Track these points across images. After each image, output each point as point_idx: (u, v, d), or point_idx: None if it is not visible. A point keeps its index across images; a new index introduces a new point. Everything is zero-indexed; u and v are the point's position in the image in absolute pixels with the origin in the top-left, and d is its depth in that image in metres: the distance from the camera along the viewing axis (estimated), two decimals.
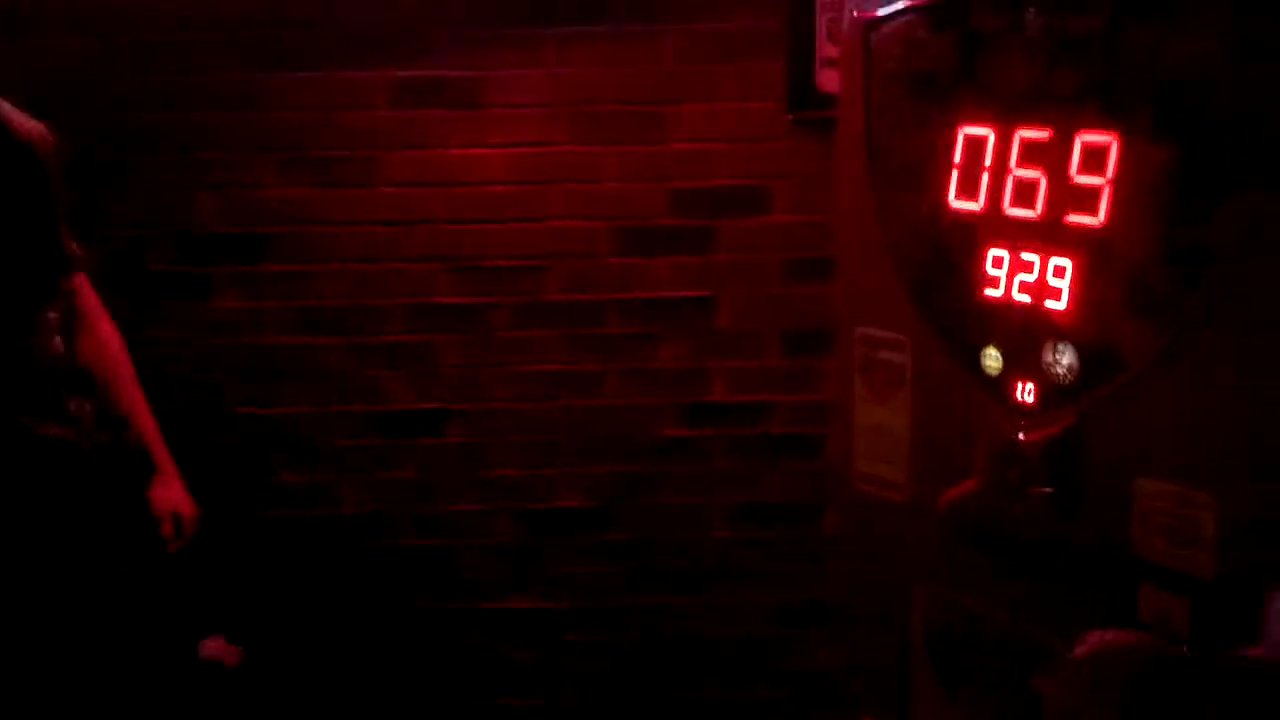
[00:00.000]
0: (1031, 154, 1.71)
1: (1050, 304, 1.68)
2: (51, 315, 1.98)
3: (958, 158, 1.82)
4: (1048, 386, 1.69)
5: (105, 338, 2.28)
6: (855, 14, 2.03)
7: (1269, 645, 1.32)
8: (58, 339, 1.98)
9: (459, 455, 3.12)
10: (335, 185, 3.02)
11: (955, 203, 1.83)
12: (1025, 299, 1.71)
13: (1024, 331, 1.72)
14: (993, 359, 1.77)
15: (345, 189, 3.02)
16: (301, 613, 3.15)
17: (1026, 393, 1.73)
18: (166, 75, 2.94)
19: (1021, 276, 1.73)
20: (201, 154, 2.98)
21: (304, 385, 3.08)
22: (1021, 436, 1.71)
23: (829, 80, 2.82)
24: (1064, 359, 1.68)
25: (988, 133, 1.78)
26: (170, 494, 2.27)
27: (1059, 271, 1.68)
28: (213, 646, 2.36)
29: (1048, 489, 1.69)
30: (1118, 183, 1.59)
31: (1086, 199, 1.63)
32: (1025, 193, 1.72)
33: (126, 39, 2.92)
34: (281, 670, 3.11)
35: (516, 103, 2.99)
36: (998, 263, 1.76)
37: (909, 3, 1.92)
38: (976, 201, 1.79)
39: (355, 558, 3.16)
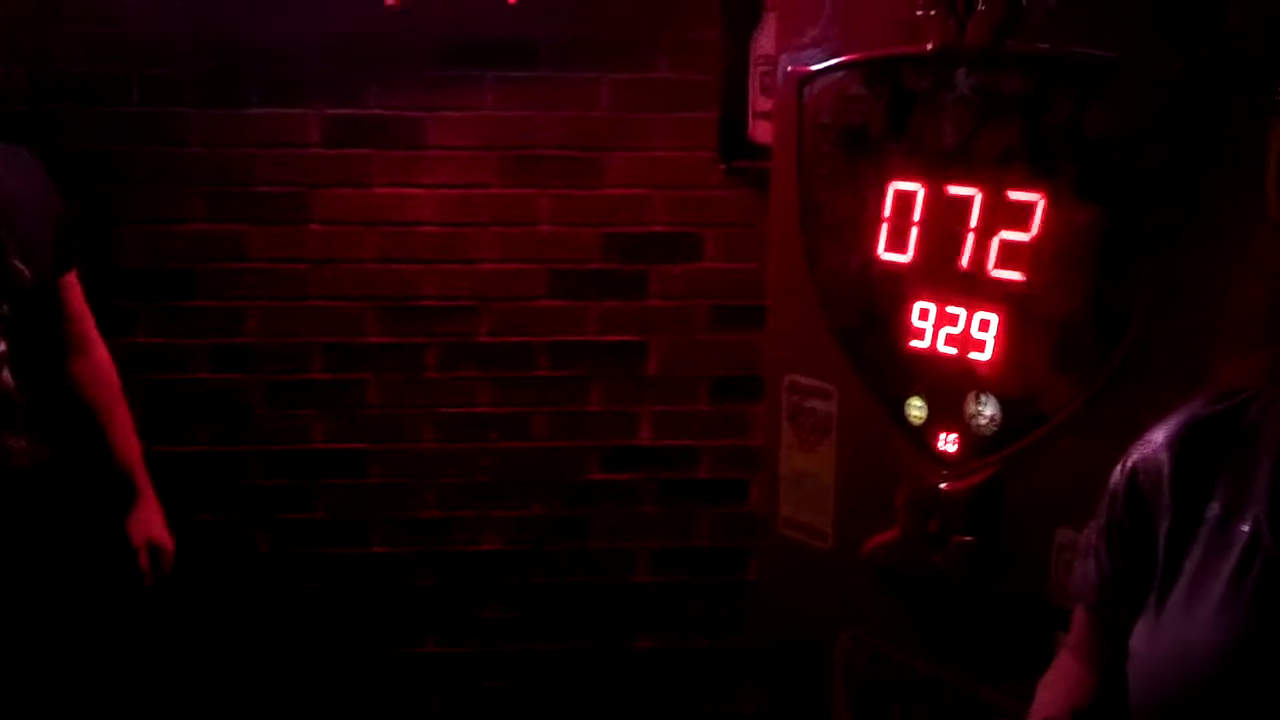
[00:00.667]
0: (960, 210, 1.75)
1: (974, 356, 1.72)
2: None
3: (887, 211, 1.86)
4: (970, 437, 1.73)
5: (99, 361, 2.26)
6: (790, 69, 2.07)
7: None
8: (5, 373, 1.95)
9: (379, 496, 3.09)
10: (264, 222, 2.99)
11: (884, 255, 1.86)
12: (950, 351, 1.74)
13: (948, 383, 1.75)
14: (917, 409, 1.81)
15: (274, 225, 2.99)
16: (215, 655, 3.09)
17: (949, 442, 1.76)
18: (93, 106, 2.91)
19: (947, 329, 1.76)
20: (123, 187, 2.94)
21: (223, 423, 3.04)
22: (944, 486, 1.74)
23: (762, 132, 2.85)
24: (987, 410, 1.71)
25: (917, 188, 1.82)
26: (148, 524, 2.21)
27: (984, 325, 1.71)
28: None
29: (969, 538, 1.71)
30: (1043, 239, 1.64)
31: (1013, 255, 1.67)
32: (952, 247, 1.76)
33: (54, 68, 2.88)
34: (192, 711, 3.05)
35: (451, 144, 2.98)
36: (924, 315, 1.80)
37: (843, 59, 1.96)
38: (905, 254, 1.83)
39: (269, 600, 3.11)
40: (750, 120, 2.92)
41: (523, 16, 2.90)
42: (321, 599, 3.12)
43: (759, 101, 2.89)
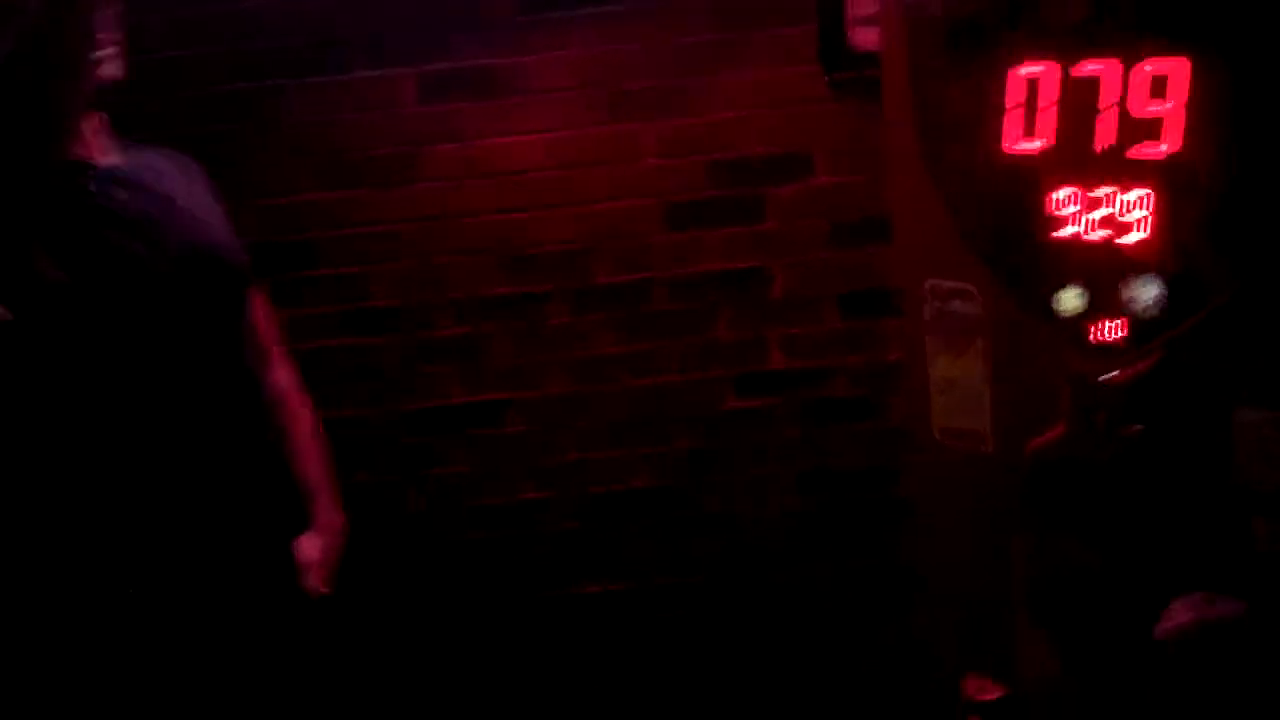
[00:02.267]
0: (1093, 86, 1.68)
1: (1126, 238, 1.65)
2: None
3: (1013, 99, 1.79)
4: (1132, 323, 1.66)
5: (273, 381, 2.13)
6: None
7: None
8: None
9: (520, 445, 3.11)
10: (373, 186, 3.00)
11: (1015, 146, 1.79)
12: (1099, 235, 1.68)
13: (1102, 270, 1.69)
14: (1070, 300, 1.74)
15: (383, 189, 3.01)
16: (372, 612, 3.15)
17: (1109, 331, 1.69)
18: (189, 90, 2.94)
19: (1094, 213, 1.69)
20: (234, 167, 2.98)
21: (362, 386, 3.08)
22: (1108, 376, 1.68)
23: (864, 38, 2.78)
24: (1147, 293, 1.64)
25: (1043, 69, 1.74)
26: (313, 549, 2.12)
27: (1134, 204, 1.64)
28: None
29: (1138, 427, 1.66)
30: (1188, 107, 1.56)
31: (1157, 128, 1.60)
32: (1088, 128, 1.69)
33: (148, 57, 2.91)
34: (351, 668, 3.12)
35: (548, 87, 2.96)
36: (1067, 202, 1.73)
37: None
38: (1036, 142, 1.76)
39: (425, 555, 3.16)
40: (850, 28, 2.84)
41: None
42: (474, 550, 3.16)
43: (859, 6, 2.81)
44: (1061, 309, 1.76)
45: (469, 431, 3.11)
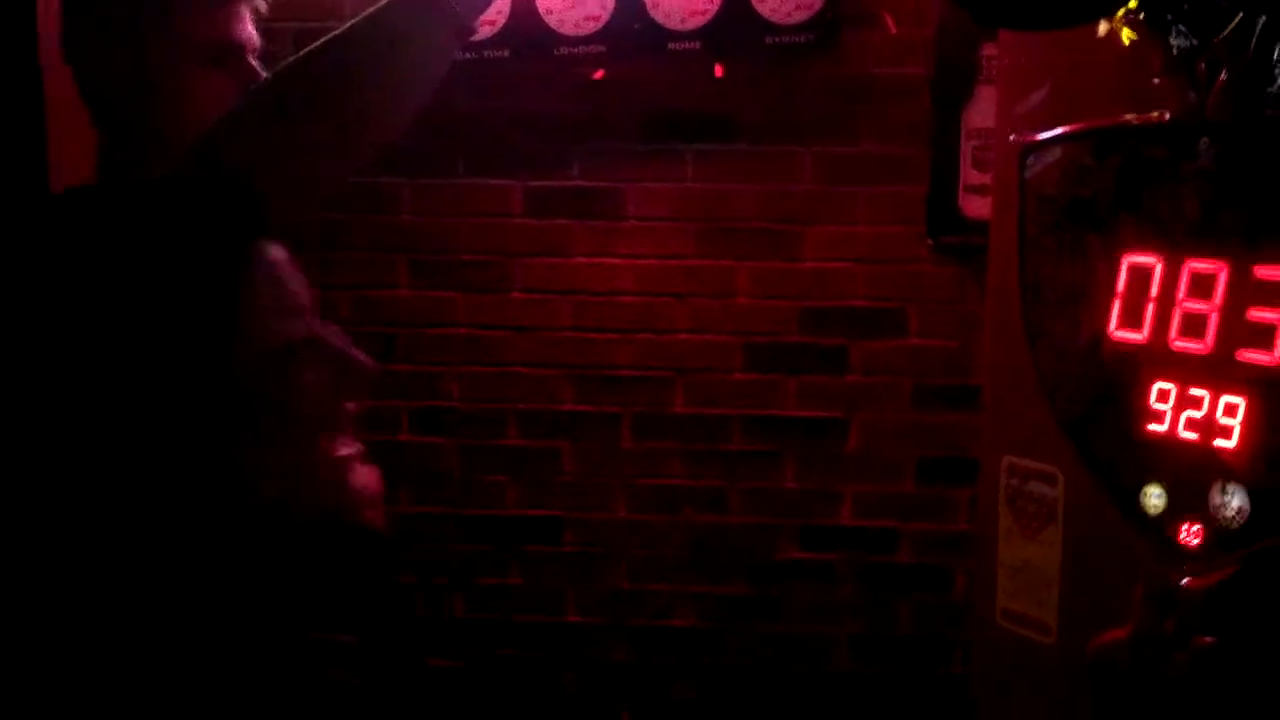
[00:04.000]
0: (1202, 286, 1.65)
1: (1220, 443, 1.60)
2: None
3: (1121, 287, 1.77)
4: (1214, 529, 1.61)
5: None
6: (1012, 138, 2.00)
7: None
8: None
9: (573, 565, 3.08)
10: (466, 289, 3.04)
11: (1117, 333, 1.76)
12: (1192, 436, 1.63)
13: (1190, 471, 1.64)
14: (1155, 498, 1.69)
15: (476, 293, 3.04)
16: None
17: (1191, 534, 1.64)
18: None
19: (1189, 413, 1.65)
20: (335, 254, 3.03)
21: (424, 486, 3.08)
22: (1184, 581, 1.62)
23: (973, 206, 2.78)
24: (1234, 501, 1.59)
25: (1154, 261, 1.72)
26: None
27: (1231, 409, 1.60)
28: None
29: (1209, 639, 1.59)
30: None
31: (1263, 335, 1.56)
32: (1194, 326, 1.65)
33: None
34: None
35: (650, 215, 2.99)
36: (1163, 396, 1.69)
37: (1071, 127, 1.88)
38: (1141, 333, 1.73)
39: (463, 663, 3.12)
40: (960, 194, 2.85)
41: (724, 91, 2.91)
42: (514, 666, 3.11)
43: (970, 175, 2.82)
44: (1148, 505, 1.71)
45: (522, 546, 3.09)
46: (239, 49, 1.57)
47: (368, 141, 1.33)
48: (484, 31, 2.90)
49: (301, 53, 1.27)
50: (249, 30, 1.60)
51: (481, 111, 2.96)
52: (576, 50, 2.88)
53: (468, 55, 2.90)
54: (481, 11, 1.31)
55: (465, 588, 3.10)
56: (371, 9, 1.27)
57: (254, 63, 1.59)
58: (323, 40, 1.27)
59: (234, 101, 1.44)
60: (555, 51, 2.88)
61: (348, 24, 1.26)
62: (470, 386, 3.06)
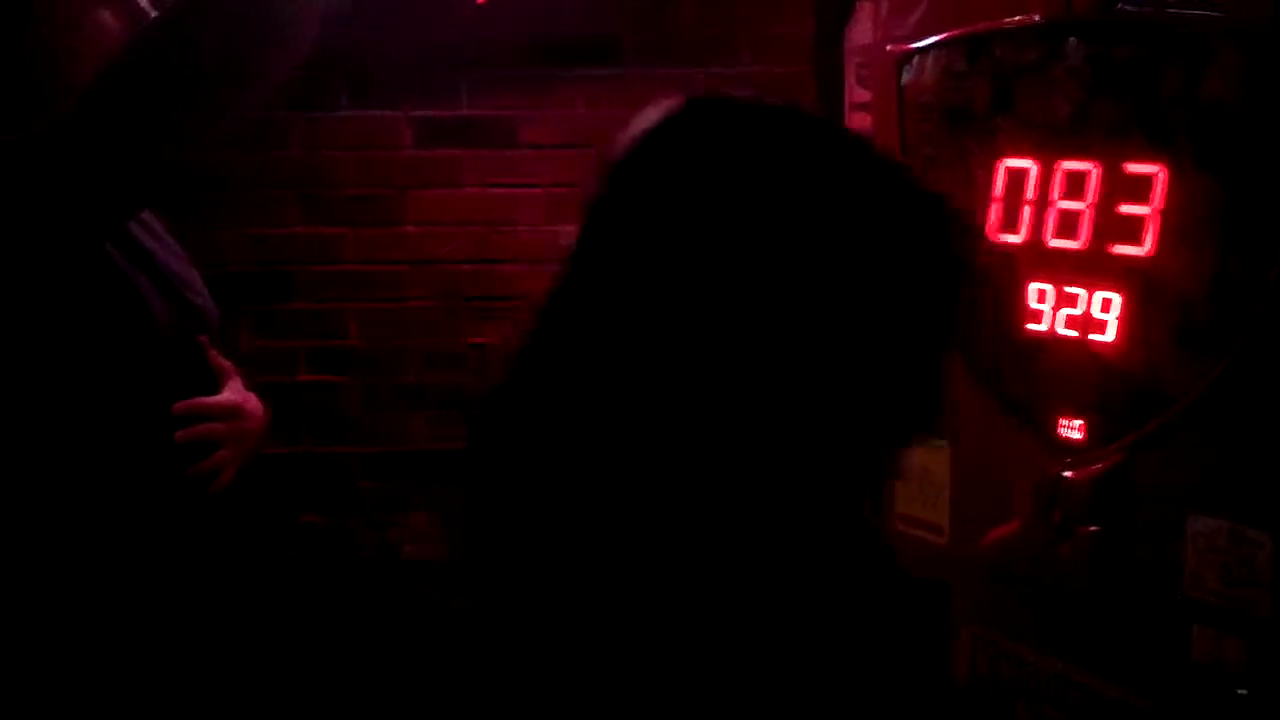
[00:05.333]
0: (1075, 185, 1.68)
1: (1096, 338, 1.64)
2: None
3: (998, 190, 1.79)
4: (1095, 423, 1.65)
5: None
6: (889, 48, 2.01)
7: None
8: None
9: None
10: (360, 225, 3.00)
11: (996, 236, 1.79)
12: (1071, 333, 1.67)
13: (1070, 366, 1.68)
14: (1037, 395, 1.73)
15: (370, 228, 3.00)
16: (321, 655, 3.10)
17: (1073, 429, 1.68)
18: None
19: (1066, 310, 1.69)
20: (225, 194, 2.97)
21: (328, 426, 3.05)
22: (1068, 474, 1.66)
23: (859, 123, 2.79)
24: (1111, 394, 1.63)
25: (1029, 164, 1.75)
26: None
27: (1106, 305, 1.64)
28: None
29: (1094, 528, 1.64)
30: (1165, 213, 1.56)
31: (1133, 230, 1.60)
32: (1069, 224, 1.69)
33: None
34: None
35: (540, 143, 2.97)
36: (1041, 296, 1.72)
37: (944, 35, 1.90)
38: (1018, 234, 1.76)
39: (372, 603, 3.12)
40: (847, 113, 2.85)
41: (605, 14, 2.88)
42: (428, 604, 3.11)
43: (855, 93, 2.82)
44: (1030, 403, 1.75)
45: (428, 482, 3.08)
46: None
47: (259, 79, 1.30)
48: None
49: None
50: None
51: (364, 40, 2.91)
52: None
53: None
54: None
55: (375, 525, 3.09)
56: None
57: (143, 3, 1.53)
58: None
59: (120, 43, 1.38)
60: None
61: None
62: (368, 323, 3.03)
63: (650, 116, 0.89)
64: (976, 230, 1.81)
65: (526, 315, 0.90)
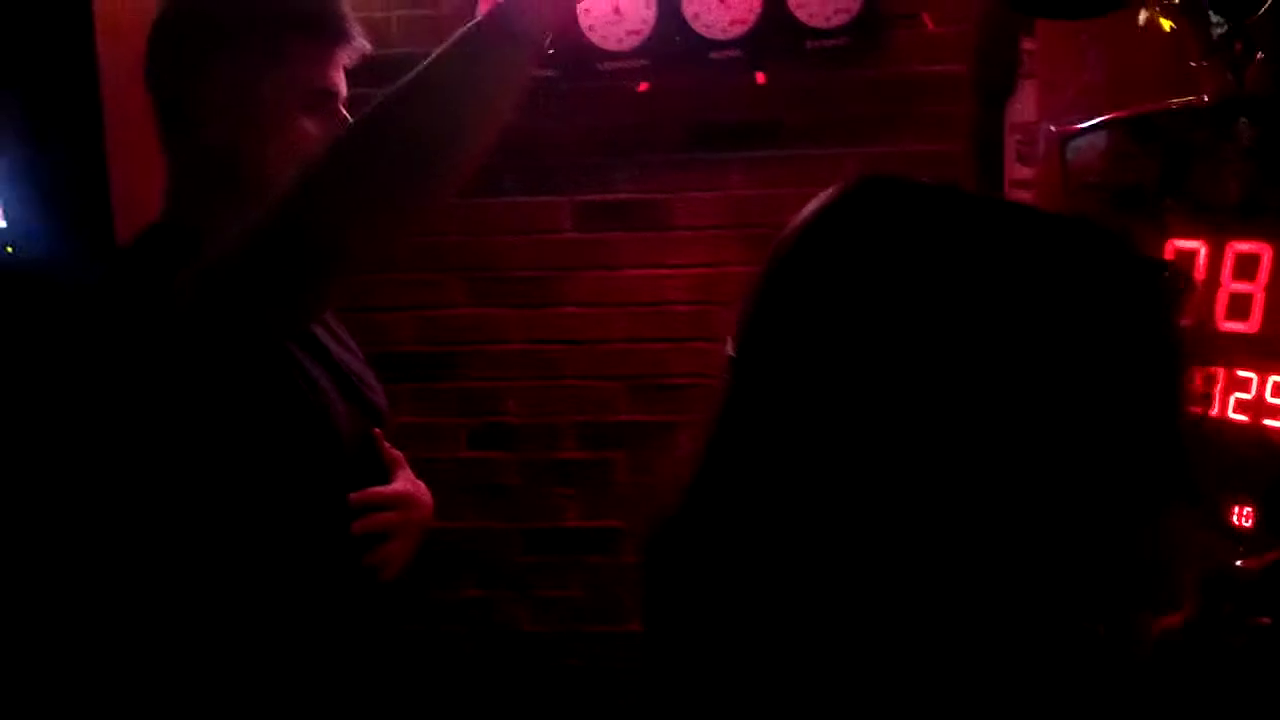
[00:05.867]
0: (1246, 267, 1.65)
1: (1269, 423, 1.60)
2: None
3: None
4: (1267, 511, 1.60)
5: None
6: (1052, 128, 2.00)
7: None
8: None
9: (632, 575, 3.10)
10: (521, 305, 3.08)
11: None
12: (1242, 418, 1.63)
13: (1241, 453, 1.64)
14: (1206, 481, 1.69)
15: (530, 309, 3.08)
16: None
17: (1244, 517, 1.63)
18: None
19: (1237, 395, 1.65)
20: (397, 275, 3.07)
21: (482, 500, 3.12)
22: (1239, 564, 1.61)
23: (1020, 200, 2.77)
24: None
25: (1199, 246, 1.72)
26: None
27: (1278, 389, 1.60)
28: None
29: (1266, 620, 1.58)
30: None
31: None
32: (1240, 307, 1.65)
33: None
34: None
35: (697, 224, 3.02)
36: (1211, 380, 1.69)
37: (1110, 115, 1.88)
38: (1187, 318, 1.73)
39: (531, 676, 3.15)
40: (1006, 189, 2.84)
41: (766, 98, 2.92)
42: (580, 677, 3.13)
43: (1015, 170, 2.80)
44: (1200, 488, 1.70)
45: (584, 557, 3.11)
46: (334, 96, 1.55)
47: (450, 178, 1.31)
48: None
49: (380, 99, 1.24)
50: (343, 77, 1.57)
51: (529, 130, 3.00)
52: (620, 65, 2.91)
53: None
54: (547, 28, 1.25)
55: (530, 600, 3.13)
56: (442, 48, 1.25)
57: (343, 110, 1.56)
58: (400, 85, 1.24)
59: (320, 148, 1.36)
60: (599, 66, 2.91)
61: (422, 66, 1.25)
62: (528, 401, 3.10)
63: (823, 196, 0.79)
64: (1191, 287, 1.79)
65: (693, 435, 0.83)
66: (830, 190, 0.79)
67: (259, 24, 1.50)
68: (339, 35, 1.54)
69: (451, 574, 3.12)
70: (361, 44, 1.57)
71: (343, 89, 1.57)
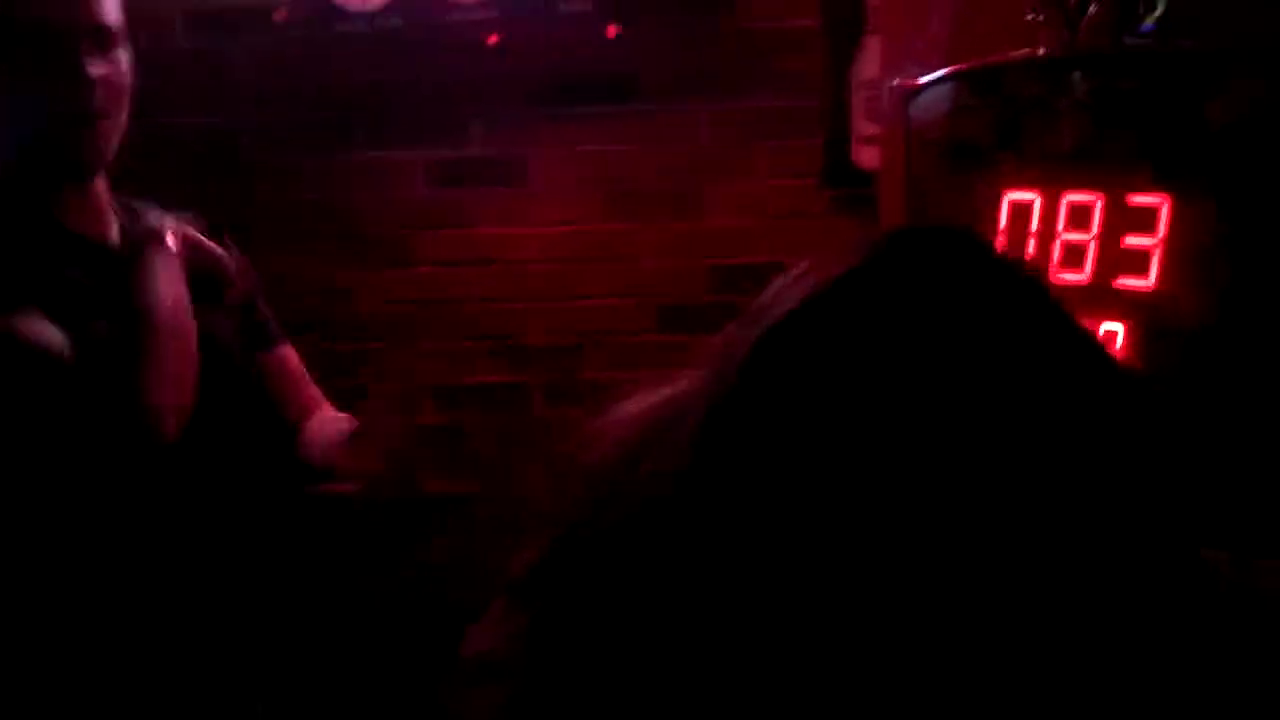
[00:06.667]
0: (1079, 217, 1.68)
1: None
2: None
3: (1003, 223, 1.79)
4: None
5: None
6: (896, 83, 2.01)
7: None
8: None
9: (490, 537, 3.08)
10: (372, 266, 3.02)
11: None
12: None
13: None
14: None
15: (382, 269, 3.02)
16: None
17: None
18: (205, 158, 2.97)
19: None
20: (239, 235, 2.98)
21: None
22: None
23: (867, 157, 2.80)
24: None
25: (1034, 197, 1.75)
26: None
27: (1110, 337, 1.63)
28: None
29: None
30: (1170, 243, 1.56)
31: (1138, 262, 1.59)
32: (1074, 257, 1.69)
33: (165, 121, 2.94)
34: None
35: (554, 181, 2.99)
36: None
37: (950, 69, 1.90)
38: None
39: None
40: (854, 145, 2.87)
41: (617, 52, 2.90)
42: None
43: (863, 126, 2.83)
44: None
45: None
46: None
47: None
48: (374, 1, 2.88)
49: None
50: None
51: (378, 82, 2.93)
52: (469, 17, 2.86)
53: (359, 27, 2.88)
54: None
55: (389, 565, 3.10)
56: None
57: None
58: None
59: None
60: (447, 18, 2.86)
61: None
62: (380, 365, 3.05)
63: (844, 255, 0.66)
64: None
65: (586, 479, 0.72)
66: (852, 247, 0.65)
67: None
68: None
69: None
70: None
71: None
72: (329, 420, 1.84)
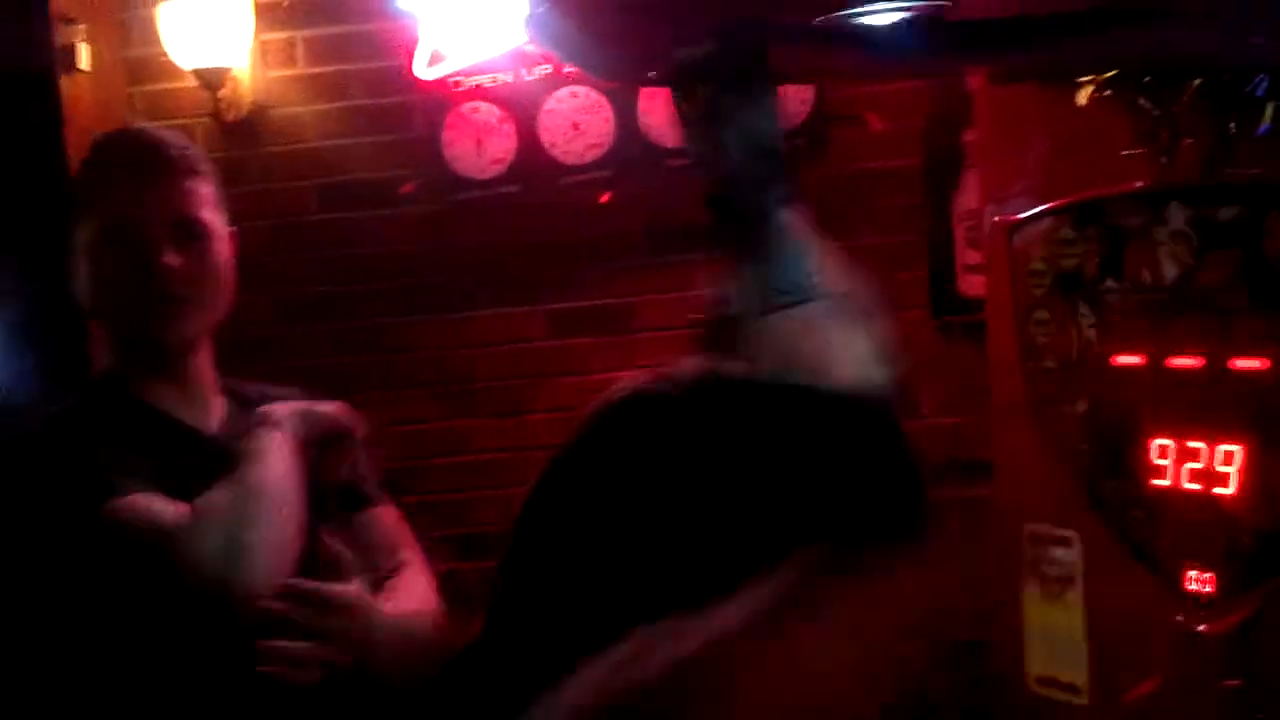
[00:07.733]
0: (1191, 339, 1.72)
1: (1219, 490, 1.66)
2: None
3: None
4: (1225, 575, 1.65)
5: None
6: (996, 219, 2.08)
7: None
8: None
9: None
10: (491, 415, 3.12)
11: (1114, 396, 1.82)
12: (1195, 487, 1.69)
13: (1195, 520, 1.69)
14: (1164, 549, 1.74)
15: (500, 418, 3.12)
16: None
17: (1203, 582, 1.68)
18: (330, 323, 3.12)
19: (1189, 464, 1.71)
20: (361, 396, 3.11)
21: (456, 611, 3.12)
22: (1202, 628, 1.66)
23: (971, 286, 2.86)
24: (1239, 546, 1.64)
25: (1142, 323, 1.79)
26: None
27: (1228, 458, 1.66)
28: None
29: (1235, 682, 1.63)
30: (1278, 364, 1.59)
31: (1250, 383, 1.62)
32: (1187, 378, 1.72)
33: (291, 292, 3.10)
34: None
35: (662, 325, 3.08)
36: (1163, 452, 1.74)
37: (1050, 204, 1.96)
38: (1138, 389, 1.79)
39: None
40: (958, 275, 2.93)
41: None
42: None
43: (966, 256, 2.90)
44: (1158, 557, 1.75)
45: None
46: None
47: None
48: (493, 169, 3.04)
49: None
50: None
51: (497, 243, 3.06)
52: (582, 177, 3.00)
53: (480, 193, 3.04)
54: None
55: None
56: None
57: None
58: None
59: None
60: (561, 180, 3.01)
61: None
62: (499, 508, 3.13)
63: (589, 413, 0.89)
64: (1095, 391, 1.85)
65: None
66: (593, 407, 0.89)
67: None
68: None
69: None
70: None
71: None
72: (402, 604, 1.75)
